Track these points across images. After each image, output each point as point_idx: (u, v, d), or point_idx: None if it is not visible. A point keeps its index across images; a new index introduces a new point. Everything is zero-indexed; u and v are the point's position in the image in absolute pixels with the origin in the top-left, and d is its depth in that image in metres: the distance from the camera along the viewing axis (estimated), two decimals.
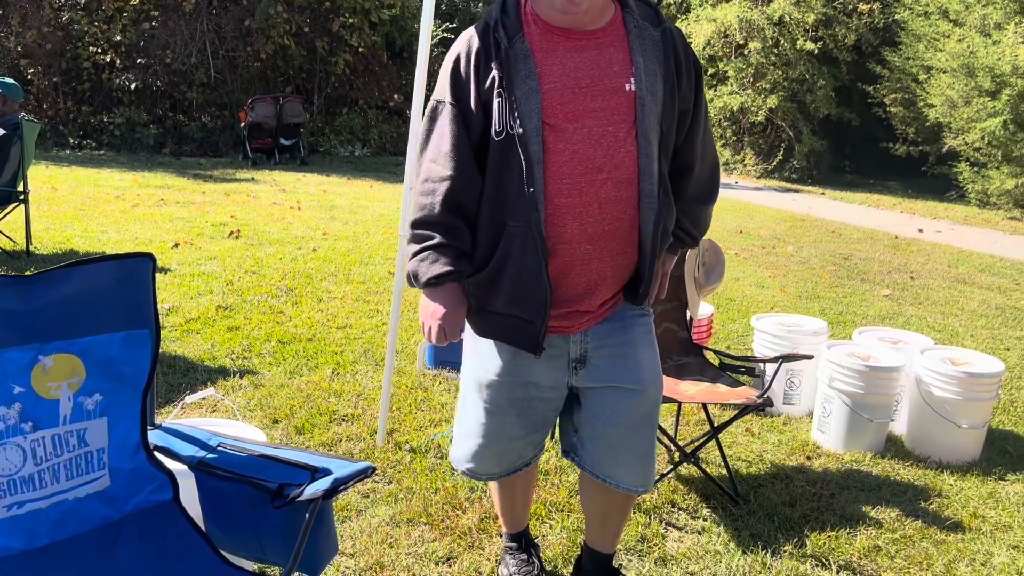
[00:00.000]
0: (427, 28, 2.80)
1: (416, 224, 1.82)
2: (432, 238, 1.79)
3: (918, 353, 3.60)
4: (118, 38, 12.98)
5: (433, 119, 1.83)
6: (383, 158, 14.48)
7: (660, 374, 2.01)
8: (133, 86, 13.08)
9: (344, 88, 15.21)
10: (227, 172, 11.29)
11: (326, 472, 1.63)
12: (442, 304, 1.82)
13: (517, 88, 1.73)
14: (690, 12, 15.80)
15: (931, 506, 3.05)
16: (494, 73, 1.74)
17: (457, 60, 1.80)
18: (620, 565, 2.45)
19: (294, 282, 5.47)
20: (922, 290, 6.57)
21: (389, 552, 2.48)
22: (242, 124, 12.40)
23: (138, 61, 13.17)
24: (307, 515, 1.56)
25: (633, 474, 2.01)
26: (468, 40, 1.81)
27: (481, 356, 1.98)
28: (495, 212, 1.80)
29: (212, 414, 3.33)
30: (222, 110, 14.00)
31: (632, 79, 1.77)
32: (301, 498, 1.55)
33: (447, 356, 4.02)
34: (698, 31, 14.86)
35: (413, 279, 1.83)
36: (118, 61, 13.14)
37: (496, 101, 1.74)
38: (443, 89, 1.82)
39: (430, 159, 1.82)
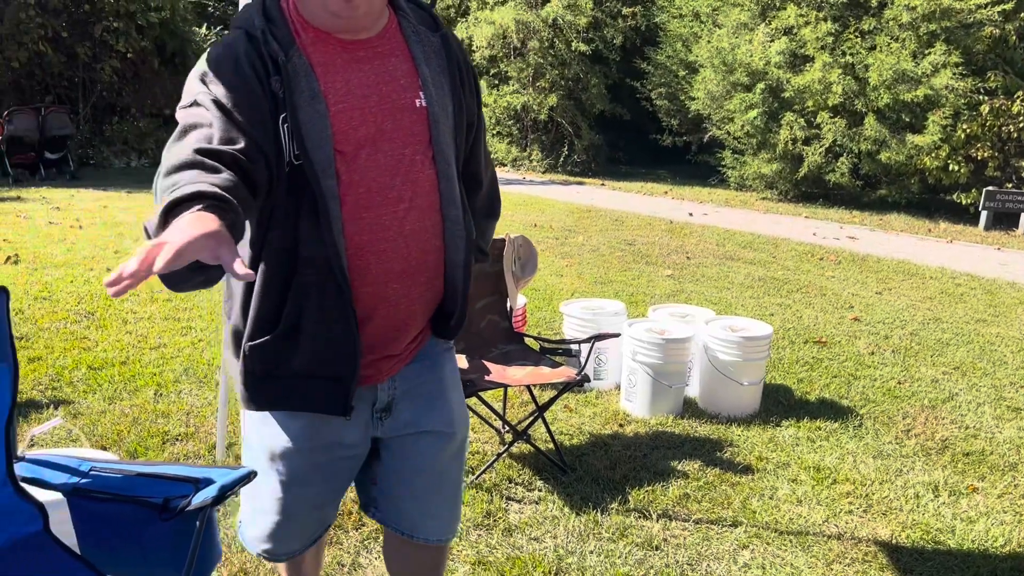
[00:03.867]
0: None
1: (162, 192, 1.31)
2: (178, 181, 1.28)
3: (703, 324, 4.11)
4: None
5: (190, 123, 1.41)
6: None
7: (467, 414, 1.85)
8: None
9: (113, 96, 14.26)
10: None
11: (208, 481, 1.71)
12: (182, 226, 1.16)
13: (301, 111, 1.44)
14: (468, 15, 16.29)
15: (725, 455, 3.52)
16: (275, 94, 1.43)
17: (219, 64, 1.45)
18: None
19: (93, 305, 5.20)
20: (698, 268, 7.32)
21: (250, 559, 2.55)
22: None
23: None
24: (197, 523, 1.64)
25: (442, 524, 1.83)
26: (228, 52, 1.45)
27: (268, 422, 1.67)
28: (280, 262, 1.50)
29: (32, 448, 3.17)
30: None
31: (421, 93, 1.56)
32: (190, 508, 1.63)
33: None
34: (478, 33, 15.38)
35: (147, 231, 1.25)
36: None
37: (281, 128, 1.44)
38: (203, 91, 1.43)
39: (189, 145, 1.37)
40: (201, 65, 1.47)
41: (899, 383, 4.47)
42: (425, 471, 1.75)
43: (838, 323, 5.64)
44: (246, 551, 2.58)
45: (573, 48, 14.60)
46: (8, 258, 6.36)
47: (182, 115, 1.43)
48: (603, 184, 13.99)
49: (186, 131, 1.40)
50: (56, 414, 3.54)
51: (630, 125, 16.01)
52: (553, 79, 14.92)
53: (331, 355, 1.55)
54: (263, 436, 1.69)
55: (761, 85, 11.98)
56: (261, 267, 1.51)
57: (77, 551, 1.75)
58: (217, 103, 1.41)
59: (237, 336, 1.59)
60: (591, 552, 2.72)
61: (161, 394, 3.84)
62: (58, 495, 1.76)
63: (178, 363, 4.25)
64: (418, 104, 1.55)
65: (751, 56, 12.06)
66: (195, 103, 1.42)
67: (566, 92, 15.07)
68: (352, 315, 1.52)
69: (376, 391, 1.68)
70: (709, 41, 12.89)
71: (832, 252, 8.43)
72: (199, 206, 1.21)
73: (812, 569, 2.68)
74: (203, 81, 1.44)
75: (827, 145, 11.50)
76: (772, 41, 11.99)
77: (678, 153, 15.32)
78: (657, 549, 2.76)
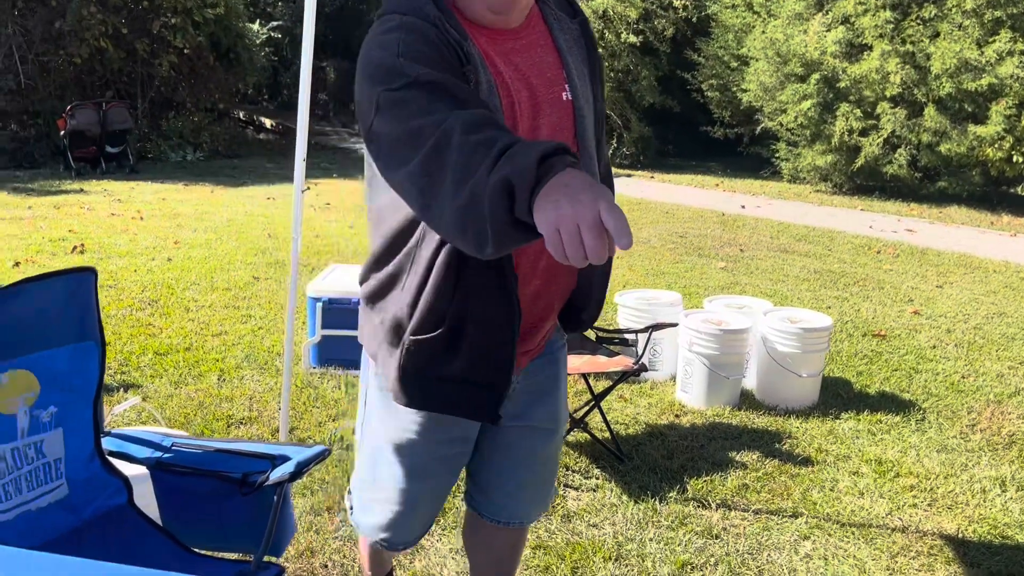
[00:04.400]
0: (310, 30, 2.90)
1: (435, 151, 1.15)
2: (499, 136, 1.11)
3: (761, 315, 4.07)
4: None
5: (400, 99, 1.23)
6: (218, 162, 14.02)
7: (568, 408, 1.83)
8: None
9: (169, 91, 14.58)
10: (50, 184, 10.61)
11: (284, 458, 1.76)
12: (598, 186, 1.01)
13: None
14: None
15: (784, 446, 3.49)
16: (468, 82, 1.32)
17: (409, 43, 1.28)
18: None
19: (156, 294, 5.34)
20: (752, 260, 7.24)
21: (316, 538, 2.60)
22: (61, 132, 11.66)
23: None
24: (275, 498, 1.69)
25: (538, 506, 1.84)
26: (415, 35, 1.30)
27: (395, 413, 1.60)
28: (454, 256, 1.39)
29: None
30: (35, 118, 13.08)
31: (567, 86, 1.46)
32: (268, 483, 1.68)
33: (331, 354, 4.11)
34: None
35: (516, 184, 1.03)
36: None
37: None
38: (421, 70, 1.24)
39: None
40: (387, 47, 1.29)
41: (963, 377, 4.37)
42: (527, 465, 1.73)
43: (897, 316, 5.54)
44: (312, 530, 2.64)
45: (623, 39, 14.50)
46: (74, 248, 6.56)
47: (400, 95, 1.23)
48: (652, 176, 13.90)
49: (433, 101, 1.20)
50: (126, 397, 3.65)
51: (680, 117, 15.84)
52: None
53: (489, 360, 1.48)
54: (388, 427, 1.63)
55: (816, 75, 11.77)
56: (440, 259, 1.40)
57: (159, 523, 1.81)
58: (446, 76, 1.24)
59: (397, 328, 1.50)
60: (650, 539, 2.72)
61: (224, 379, 3.93)
62: (141, 470, 1.82)
63: (239, 350, 4.35)
64: (564, 98, 1.45)
65: (806, 47, 11.86)
66: (416, 79, 1.23)
67: (615, 84, 14.98)
68: (516, 315, 1.44)
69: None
70: (763, 32, 12.71)
71: (890, 245, 8.26)
72: (571, 161, 1.05)
73: (876, 561, 2.65)
74: (404, 58, 1.26)
75: (885, 136, 11.26)
76: (828, 30, 11.77)
77: (729, 145, 15.12)
78: (717, 538, 2.75)
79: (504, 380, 1.50)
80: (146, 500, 1.81)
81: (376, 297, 1.54)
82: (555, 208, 0.97)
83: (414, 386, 1.52)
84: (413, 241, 1.44)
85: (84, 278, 1.71)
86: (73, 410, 1.71)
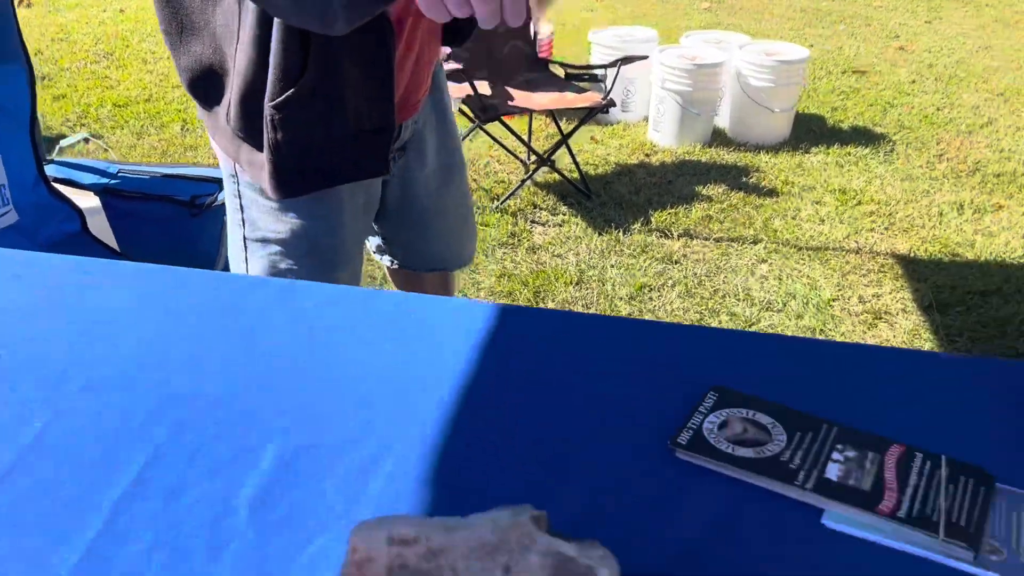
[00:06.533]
0: None
1: None
2: None
3: (737, 49, 3.94)
4: None
5: None
6: None
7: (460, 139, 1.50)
8: None
9: None
10: None
11: None
12: None
13: None
14: None
15: (751, 180, 3.51)
16: None
17: None
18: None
19: (110, 46, 5.10)
20: (737, 0, 6.90)
21: None
22: None
23: None
24: (224, 220, 1.70)
25: (464, 249, 1.58)
26: None
27: (292, 207, 1.21)
28: None
29: None
30: None
31: None
32: (216, 203, 1.68)
33: None
34: None
35: None
36: None
37: None
38: None
39: None
40: None
41: (938, 110, 4.33)
42: (439, 212, 1.47)
43: (880, 53, 5.38)
44: None
45: None
46: (21, 1, 6.18)
47: None
48: None
49: None
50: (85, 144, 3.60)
51: None
52: None
53: (372, 98, 1.12)
54: (288, 225, 1.22)
55: None
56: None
57: (116, 248, 1.84)
58: None
59: (248, 96, 1.08)
60: (612, 266, 2.81)
61: (188, 129, 3.86)
62: (94, 201, 1.82)
63: None
64: None
65: None
66: None
67: None
68: (392, 35, 1.08)
69: (400, 129, 1.28)
70: None
71: None
72: None
73: (828, 279, 2.76)
74: None
75: None
76: None
77: None
78: (676, 263, 2.84)
79: (390, 117, 1.15)
80: (101, 227, 1.83)
81: (209, 85, 1.14)
82: None
83: (294, 169, 1.13)
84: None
85: None
86: (7, 134, 1.67)
